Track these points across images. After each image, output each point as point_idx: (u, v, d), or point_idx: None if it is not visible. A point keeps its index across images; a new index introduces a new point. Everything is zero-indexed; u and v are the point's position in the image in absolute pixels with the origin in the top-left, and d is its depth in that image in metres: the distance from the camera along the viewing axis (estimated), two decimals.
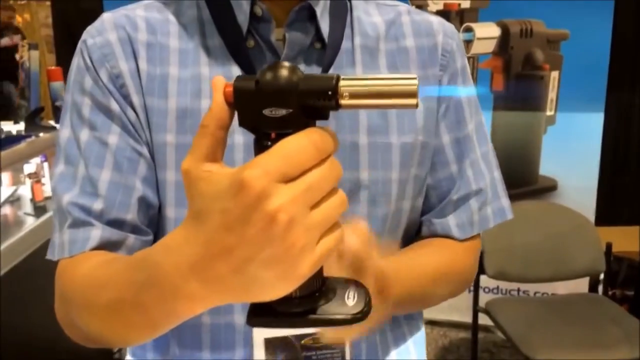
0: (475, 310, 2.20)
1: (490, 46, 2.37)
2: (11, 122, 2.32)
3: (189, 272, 0.43)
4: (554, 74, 2.35)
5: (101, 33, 0.69)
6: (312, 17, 0.69)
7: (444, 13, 2.38)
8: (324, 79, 0.41)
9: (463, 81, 0.76)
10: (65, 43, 2.99)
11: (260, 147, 0.42)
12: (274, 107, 0.41)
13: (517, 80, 2.39)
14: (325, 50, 0.70)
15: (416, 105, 0.41)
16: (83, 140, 0.68)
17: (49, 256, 0.68)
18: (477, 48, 2.38)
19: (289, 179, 0.40)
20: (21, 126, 2.28)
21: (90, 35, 0.70)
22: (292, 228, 0.39)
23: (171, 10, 0.72)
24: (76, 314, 0.62)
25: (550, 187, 2.46)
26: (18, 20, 5.32)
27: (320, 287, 0.45)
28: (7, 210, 2.16)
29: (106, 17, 0.71)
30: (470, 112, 0.76)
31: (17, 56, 2.34)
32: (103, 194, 0.66)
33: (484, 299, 2.27)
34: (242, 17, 0.68)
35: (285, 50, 0.69)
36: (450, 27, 0.77)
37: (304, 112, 0.41)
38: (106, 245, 0.66)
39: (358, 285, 0.48)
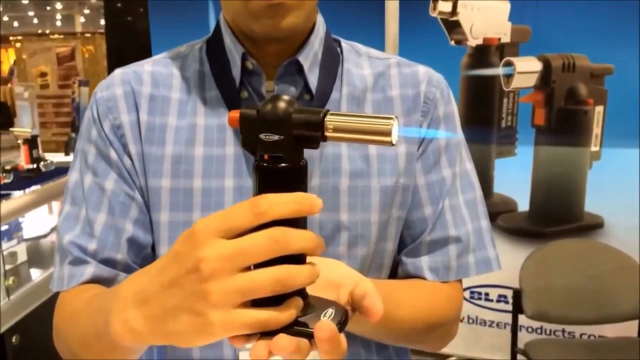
0: (514, 350, 2.14)
1: (531, 80, 2.34)
2: (62, 154, 2.45)
3: (131, 298, 0.48)
4: (599, 109, 2.29)
5: (109, 87, 0.76)
6: (301, 70, 0.73)
7: (484, 48, 2.37)
8: (314, 112, 0.46)
9: (445, 128, 0.78)
10: None
11: (256, 166, 0.47)
12: (268, 133, 0.46)
13: (560, 115, 2.33)
14: (312, 101, 0.73)
15: (392, 143, 0.44)
16: (86, 184, 0.74)
17: (50, 286, 0.74)
18: (518, 82, 2.35)
19: (228, 237, 0.43)
20: (71, 158, 2.41)
21: (100, 89, 0.76)
22: (210, 281, 0.42)
23: (177, 64, 0.78)
24: (57, 342, 0.69)
25: (596, 225, 2.37)
26: (82, 51, 5.61)
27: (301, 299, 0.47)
28: (54, 237, 2.28)
29: (116, 73, 0.77)
30: (449, 158, 0.77)
31: (70, 92, 2.47)
32: (97, 236, 0.72)
33: (525, 338, 2.21)
34: (236, 71, 0.73)
35: None
36: (436, 77, 0.79)
37: (295, 140, 0.46)
38: (99, 281, 0.71)
39: (338, 306, 0.50)
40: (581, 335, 2.47)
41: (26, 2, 12.55)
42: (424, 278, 0.76)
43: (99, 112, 0.74)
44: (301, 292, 0.47)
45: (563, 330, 2.50)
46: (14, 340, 2.01)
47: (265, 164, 0.46)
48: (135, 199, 0.73)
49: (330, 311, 0.48)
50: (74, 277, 0.71)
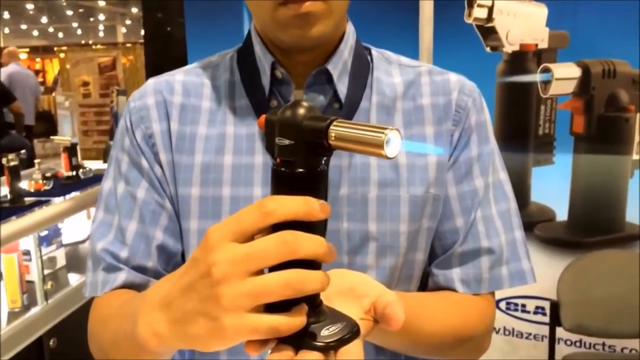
0: None
1: (569, 87, 2.28)
2: (101, 161, 2.51)
3: (157, 302, 0.49)
4: None
5: (142, 97, 0.77)
6: (330, 79, 0.73)
7: (521, 54, 2.33)
8: (323, 119, 0.45)
9: (478, 137, 0.76)
10: None
11: (272, 170, 0.48)
12: (281, 137, 0.47)
13: (600, 122, 2.27)
14: (341, 110, 0.73)
15: (388, 157, 0.43)
16: (119, 193, 0.75)
17: (83, 292, 0.76)
18: (556, 89, 2.29)
19: (240, 240, 0.43)
20: None
21: (133, 99, 0.78)
22: (222, 284, 0.42)
23: (208, 74, 0.79)
24: (91, 345, 0.70)
25: (637, 236, 2.30)
26: (123, 61, 5.74)
27: (314, 308, 0.47)
28: None
29: (149, 82, 0.79)
30: (482, 167, 0.75)
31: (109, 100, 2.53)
32: (129, 243, 0.73)
33: (564, 351, 2.15)
34: (265, 80, 0.74)
35: None
36: (469, 85, 0.78)
37: (307, 146, 0.46)
38: (131, 286, 0.73)
39: (350, 322, 0.49)
40: (622, 349, 2.39)
41: (71, 13, 12.90)
42: (455, 290, 0.74)
43: (132, 122, 0.76)
44: (314, 300, 0.47)
45: (603, 344, 2.42)
46: (51, 343, 2.06)
47: (277, 168, 0.47)
48: (166, 208, 0.74)
49: (336, 326, 0.47)
50: (107, 283, 0.72)
